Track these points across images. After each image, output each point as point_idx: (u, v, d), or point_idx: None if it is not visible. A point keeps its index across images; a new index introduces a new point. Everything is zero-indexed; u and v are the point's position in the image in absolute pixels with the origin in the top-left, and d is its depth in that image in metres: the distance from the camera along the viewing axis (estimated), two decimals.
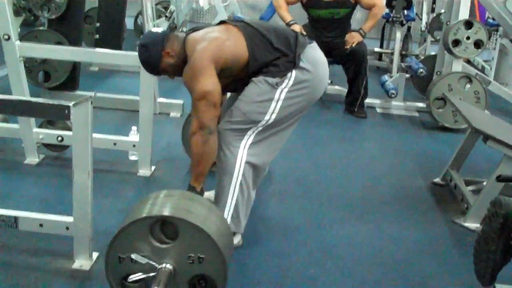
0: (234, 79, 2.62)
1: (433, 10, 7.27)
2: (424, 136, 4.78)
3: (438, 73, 5.24)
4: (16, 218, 2.48)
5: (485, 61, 6.97)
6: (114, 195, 3.23)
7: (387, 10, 6.51)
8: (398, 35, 6.14)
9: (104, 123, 4.20)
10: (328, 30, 5.11)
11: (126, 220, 2.05)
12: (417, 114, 5.32)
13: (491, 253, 2.15)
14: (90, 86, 5.10)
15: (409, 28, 6.99)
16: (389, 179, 3.78)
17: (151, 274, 2.02)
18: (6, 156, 3.68)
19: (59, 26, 4.41)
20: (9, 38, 3.24)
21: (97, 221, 2.59)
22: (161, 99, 4.75)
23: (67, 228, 2.47)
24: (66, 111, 2.22)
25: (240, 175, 2.62)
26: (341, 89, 5.55)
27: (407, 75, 5.49)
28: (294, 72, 2.60)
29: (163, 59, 2.62)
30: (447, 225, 3.18)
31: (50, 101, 2.27)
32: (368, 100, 5.40)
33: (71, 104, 2.22)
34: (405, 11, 6.42)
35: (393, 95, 5.19)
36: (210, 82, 2.47)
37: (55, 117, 2.73)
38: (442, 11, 6.62)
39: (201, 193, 2.59)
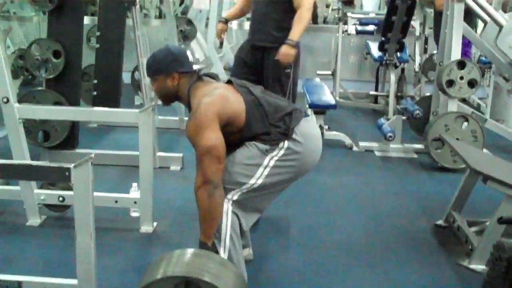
0: (227, 140, 2.60)
1: (425, 51, 7.38)
2: (424, 178, 4.78)
3: (434, 113, 5.26)
4: (20, 283, 2.46)
5: (480, 98, 7.03)
6: (117, 253, 3.22)
7: (380, 53, 6.59)
8: (393, 77, 6.21)
9: (104, 180, 4.21)
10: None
11: (151, 275, 2.00)
12: (416, 156, 5.33)
13: None
14: (89, 143, 5.14)
15: (403, 70, 7.04)
16: (392, 222, 3.77)
17: None
18: (7, 218, 3.66)
19: (57, 85, 4.45)
20: (7, 101, 3.27)
21: (100, 281, 2.55)
22: (160, 153, 4.76)
23: None
24: (67, 173, 2.24)
25: (228, 228, 2.61)
26: (339, 134, 5.57)
27: (404, 117, 5.52)
28: (286, 142, 2.65)
29: (165, 76, 2.70)
30: (452, 267, 3.17)
31: (51, 164, 2.29)
32: (366, 144, 5.45)
33: (71, 166, 2.23)
34: (398, 54, 6.50)
35: (390, 138, 5.20)
36: (214, 137, 2.50)
37: (56, 179, 2.74)
38: (435, 52, 6.71)
39: (212, 248, 2.56)
